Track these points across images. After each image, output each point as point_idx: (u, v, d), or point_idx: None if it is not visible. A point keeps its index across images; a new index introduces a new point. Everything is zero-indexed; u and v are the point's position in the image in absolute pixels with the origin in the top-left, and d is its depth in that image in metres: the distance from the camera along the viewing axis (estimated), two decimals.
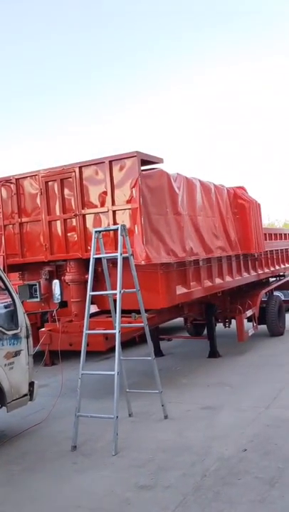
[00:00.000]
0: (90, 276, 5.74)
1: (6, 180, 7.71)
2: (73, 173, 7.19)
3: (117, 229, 5.72)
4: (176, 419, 6.08)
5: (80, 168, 7.15)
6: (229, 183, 9.36)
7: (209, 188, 8.50)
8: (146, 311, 7.25)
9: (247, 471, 4.36)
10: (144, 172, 6.89)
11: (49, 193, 7.45)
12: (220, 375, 8.33)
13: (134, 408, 6.40)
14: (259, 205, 9.62)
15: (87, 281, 7.35)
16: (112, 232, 6.69)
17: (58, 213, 7.39)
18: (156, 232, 6.86)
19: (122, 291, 5.60)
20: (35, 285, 7.98)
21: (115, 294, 5.88)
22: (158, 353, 10.49)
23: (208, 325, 10.14)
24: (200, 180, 8.29)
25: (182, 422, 5.96)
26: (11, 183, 7.69)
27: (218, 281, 9.03)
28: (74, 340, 7.05)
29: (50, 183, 7.43)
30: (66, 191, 7.32)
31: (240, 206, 9.24)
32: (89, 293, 5.69)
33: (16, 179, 7.69)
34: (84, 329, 5.62)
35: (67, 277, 7.49)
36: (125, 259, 5.88)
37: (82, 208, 7.19)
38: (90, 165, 7.12)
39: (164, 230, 7.04)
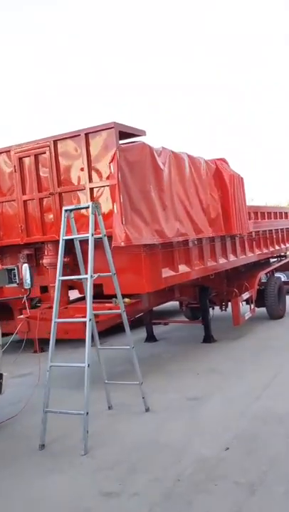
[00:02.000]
0: (59, 260, 5.25)
1: None
2: (48, 148, 6.65)
3: (88, 207, 5.20)
4: (159, 411, 5.64)
5: (55, 142, 6.61)
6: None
7: (199, 163, 7.92)
8: (130, 295, 6.82)
9: (226, 475, 3.90)
10: (123, 145, 6.34)
11: (24, 171, 6.93)
12: (212, 362, 7.88)
13: (115, 399, 5.97)
14: (242, 179, 8.91)
15: (66, 265, 6.95)
16: (88, 211, 6.18)
17: (33, 192, 6.88)
18: (137, 211, 6.33)
19: (93, 276, 5.13)
20: (14, 269, 7.51)
21: (94, 279, 5.44)
22: (151, 338, 10.12)
23: (201, 308, 9.66)
24: (189, 155, 7.71)
25: (164, 415, 5.52)
26: None
27: (210, 263, 8.50)
28: (70, 326, 6.58)
29: (24, 160, 6.91)
30: (41, 168, 6.80)
31: (220, 181, 8.42)
32: (58, 278, 5.21)
33: None
34: (53, 317, 5.15)
35: (45, 261, 7.01)
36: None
37: (58, 186, 6.66)
38: (64, 138, 6.57)
39: (147, 208, 6.50)
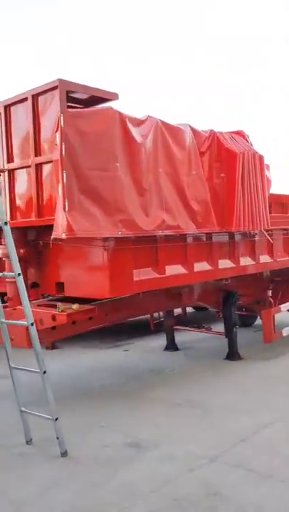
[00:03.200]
0: None
1: None
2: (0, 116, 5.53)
3: None
4: (75, 459, 4.29)
5: (6, 108, 5.45)
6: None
7: (204, 137, 6.23)
8: (90, 300, 5.52)
9: None
10: (74, 110, 4.98)
11: None
12: (211, 389, 6.27)
13: (49, 431, 4.63)
14: (260, 158, 6.71)
15: (23, 257, 5.84)
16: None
17: None
18: (91, 195, 4.94)
19: None
20: None
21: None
22: (171, 346, 8.69)
23: (225, 318, 7.96)
24: (192, 127, 6.08)
25: (76, 467, 4.15)
26: None
27: (225, 264, 6.81)
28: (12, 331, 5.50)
29: None
30: None
31: (226, 160, 6.37)
32: None
33: None
34: None
35: (1, 251, 5.92)
36: None
37: (8, 162, 5.52)
38: (14, 103, 5.38)
39: (110, 192, 5.06)
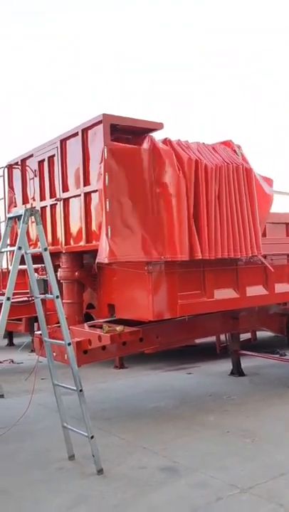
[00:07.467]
0: None
1: (11, 165, 6.92)
2: (56, 149, 5.96)
3: (21, 215, 4.33)
4: (109, 478, 4.40)
5: (61, 142, 5.88)
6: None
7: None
8: (134, 322, 5.68)
9: None
10: (118, 144, 5.23)
11: (42, 175, 6.39)
12: (267, 418, 6.07)
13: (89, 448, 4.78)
14: (248, 170, 5.80)
15: (79, 280, 6.20)
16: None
17: (47, 198, 6.28)
18: (134, 222, 5.15)
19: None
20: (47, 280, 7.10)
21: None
22: (236, 371, 8.52)
23: None
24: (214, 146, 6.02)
25: (107, 486, 4.25)
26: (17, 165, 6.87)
27: (283, 288, 6.62)
28: (56, 349, 5.85)
29: (43, 163, 6.36)
30: (54, 171, 6.15)
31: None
32: None
33: (21, 160, 6.83)
34: None
35: (59, 273, 6.30)
36: None
37: (64, 191, 5.91)
38: (69, 137, 5.79)
39: (154, 220, 5.26)
